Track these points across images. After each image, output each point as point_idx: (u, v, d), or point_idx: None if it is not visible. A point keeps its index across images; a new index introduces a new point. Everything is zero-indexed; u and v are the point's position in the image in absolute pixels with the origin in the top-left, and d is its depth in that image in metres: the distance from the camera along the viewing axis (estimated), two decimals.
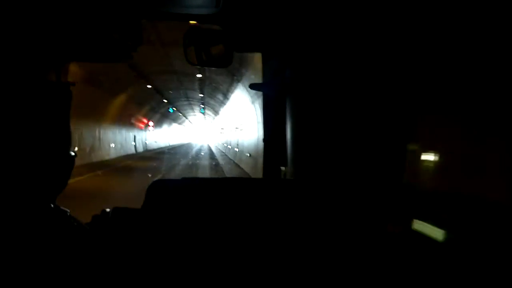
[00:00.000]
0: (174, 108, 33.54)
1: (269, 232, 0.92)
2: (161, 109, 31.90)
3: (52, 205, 1.10)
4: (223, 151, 30.18)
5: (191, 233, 0.93)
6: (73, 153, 1.14)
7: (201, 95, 24.74)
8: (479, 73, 0.83)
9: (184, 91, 24.02)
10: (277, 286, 0.88)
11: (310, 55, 1.41)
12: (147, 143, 32.42)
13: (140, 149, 29.08)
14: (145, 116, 29.27)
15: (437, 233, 0.92)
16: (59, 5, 1.09)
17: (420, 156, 1.06)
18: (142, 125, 29.44)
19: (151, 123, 31.79)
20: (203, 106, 32.09)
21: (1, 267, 0.92)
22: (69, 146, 1.13)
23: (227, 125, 27.07)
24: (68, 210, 1.14)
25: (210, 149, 36.78)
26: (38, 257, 0.97)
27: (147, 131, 32.38)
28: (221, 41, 1.37)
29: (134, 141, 26.84)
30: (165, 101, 27.92)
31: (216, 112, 31.78)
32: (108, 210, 1.12)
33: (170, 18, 1.33)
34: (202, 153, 29.73)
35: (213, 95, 22.85)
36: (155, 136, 36.54)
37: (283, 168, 1.59)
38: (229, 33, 1.36)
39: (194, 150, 34.12)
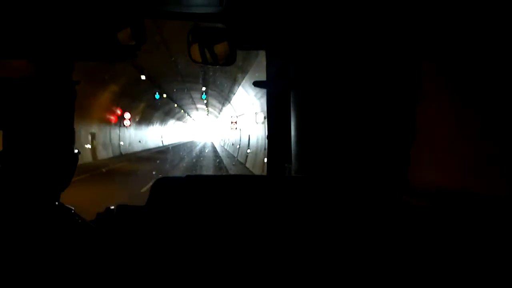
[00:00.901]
0: (163, 94, 22.24)
1: (273, 228, 0.93)
2: (144, 95, 20.90)
3: (57, 203, 1.10)
4: (234, 155, 19.79)
5: (195, 230, 0.93)
6: (76, 151, 1.14)
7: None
8: (481, 73, 0.85)
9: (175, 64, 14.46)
10: (281, 281, 0.89)
11: (314, 52, 1.41)
12: (123, 144, 21.65)
13: (108, 154, 18.83)
14: (114, 103, 18.33)
15: (439, 230, 0.93)
16: (63, 5, 1.08)
17: (424, 152, 1.07)
18: (111, 118, 19.12)
19: (127, 115, 20.81)
20: (205, 90, 21.22)
21: (7, 264, 0.93)
22: (73, 144, 1.13)
23: (245, 115, 17.11)
24: (73, 208, 1.14)
25: (215, 152, 25.61)
26: (43, 254, 0.99)
27: (125, 128, 21.45)
28: (224, 39, 1.36)
29: (91, 143, 16.74)
30: (143, 77, 16.47)
31: (224, 99, 21.70)
32: (112, 207, 1.13)
33: (174, 17, 1.31)
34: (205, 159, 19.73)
35: (221, 71, 14.44)
36: (140, 134, 26.40)
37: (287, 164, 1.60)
38: (232, 31, 1.36)
39: (193, 154, 23.12)
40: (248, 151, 14.96)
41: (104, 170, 13.02)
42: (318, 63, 1.40)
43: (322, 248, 0.91)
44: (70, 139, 1.13)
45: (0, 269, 0.93)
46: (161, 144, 33.51)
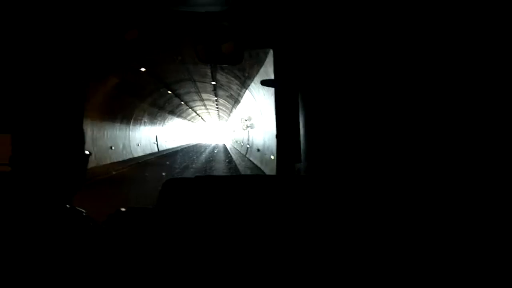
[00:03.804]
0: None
1: (284, 228, 0.92)
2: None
3: (68, 206, 1.11)
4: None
5: (205, 230, 0.93)
6: (87, 152, 1.15)
7: None
8: (483, 74, 0.83)
9: None
10: (292, 280, 0.88)
11: (323, 50, 1.39)
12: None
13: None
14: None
15: (438, 230, 0.92)
16: (70, 7, 1.09)
17: (435, 153, 1.05)
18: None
19: None
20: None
21: (17, 265, 0.94)
22: (83, 145, 1.14)
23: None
24: (84, 211, 1.15)
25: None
26: (54, 256, 0.99)
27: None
28: (231, 38, 1.36)
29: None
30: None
31: (238, 89, 16.10)
32: (123, 209, 1.13)
33: (180, 17, 1.32)
34: None
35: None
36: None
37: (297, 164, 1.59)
38: (239, 30, 1.35)
39: None
40: None
41: None
42: (327, 61, 1.38)
43: (331, 248, 0.90)
44: (79, 140, 1.14)
45: (9, 271, 0.94)
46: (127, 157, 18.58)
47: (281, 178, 1.46)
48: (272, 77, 1.61)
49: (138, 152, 20.09)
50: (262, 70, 10.18)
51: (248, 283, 0.89)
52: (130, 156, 18.05)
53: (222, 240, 0.92)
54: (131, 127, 18.73)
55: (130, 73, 13.86)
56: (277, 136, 1.61)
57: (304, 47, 1.49)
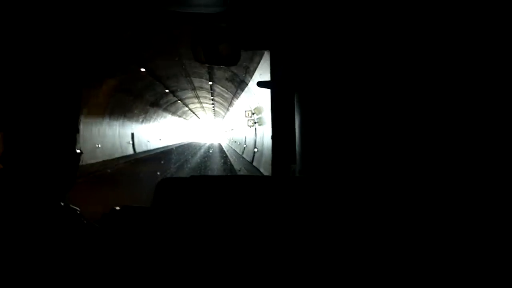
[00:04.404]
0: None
1: (278, 229, 0.92)
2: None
3: (62, 204, 1.11)
4: None
5: (200, 230, 0.93)
6: (79, 151, 1.15)
7: None
8: (482, 75, 0.84)
9: None
10: (285, 280, 0.89)
11: (319, 52, 1.40)
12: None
13: None
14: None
15: (436, 230, 0.92)
16: (65, 7, 1.09)
17: (433, 153, 1.06)
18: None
19: None
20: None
21: (11, 265, 0.93)
22: (75, 144, 1.15)
23: None
24: (78, 209, 1.15)
25: None
26: (47, 255, 0.99)
27: None
28: (228, 39, 1.37)
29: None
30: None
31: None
32: (117, 208, 1.13)
33: (178, 18, 1.32)
34: None
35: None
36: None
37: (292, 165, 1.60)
38: (236, 31, 1.36)
39: None
40: None
41: None
42: (323, 63, 1.39)
43: (326, 248, 0.91)
44: (72, 139, 1.14)
45: (3, 270, 0.94)
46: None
47: (276, 178, 1.47)
48: None
49: (97, 157, 13.76)
50: None
51: (243, 283, 0.89)
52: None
53: (217, 239, 0.92)
54: (84, 120, 12.76)
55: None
56: (272, 137, 1.62)
57: (300, 49, 1.50)
